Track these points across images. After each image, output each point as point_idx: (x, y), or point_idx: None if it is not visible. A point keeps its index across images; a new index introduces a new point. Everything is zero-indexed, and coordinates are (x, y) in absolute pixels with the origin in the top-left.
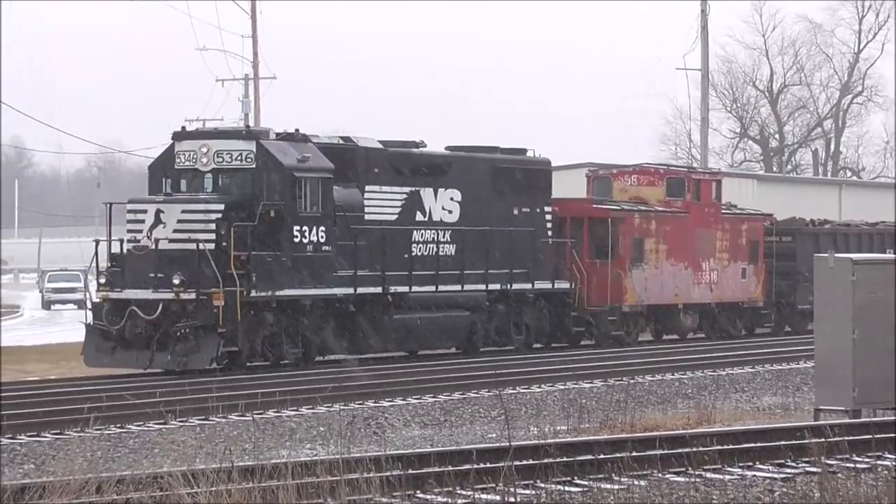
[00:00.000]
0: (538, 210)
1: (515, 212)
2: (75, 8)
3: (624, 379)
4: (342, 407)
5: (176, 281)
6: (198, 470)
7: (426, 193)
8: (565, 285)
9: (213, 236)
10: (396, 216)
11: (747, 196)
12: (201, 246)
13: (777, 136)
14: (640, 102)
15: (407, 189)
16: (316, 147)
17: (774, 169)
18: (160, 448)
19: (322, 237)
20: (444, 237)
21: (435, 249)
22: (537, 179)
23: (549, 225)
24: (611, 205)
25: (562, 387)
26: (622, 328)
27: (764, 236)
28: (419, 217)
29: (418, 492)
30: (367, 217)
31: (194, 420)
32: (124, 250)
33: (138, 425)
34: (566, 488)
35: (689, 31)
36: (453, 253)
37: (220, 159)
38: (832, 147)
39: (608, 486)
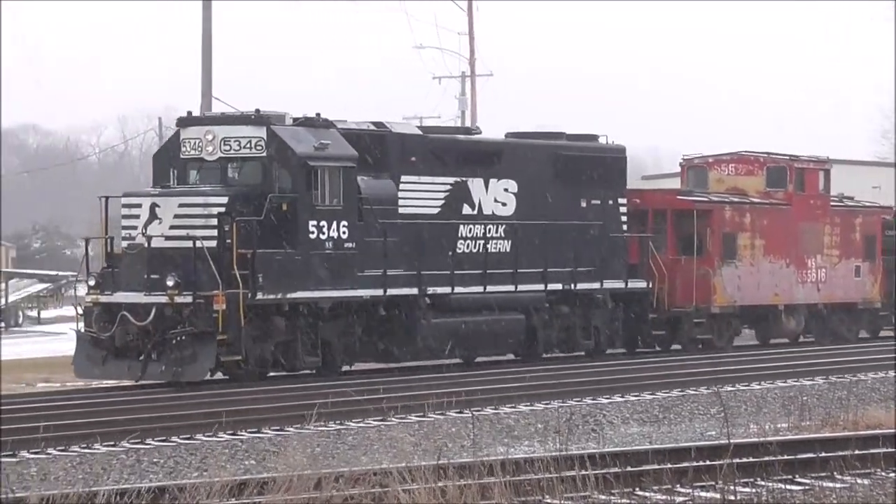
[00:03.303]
0: (610, 202)
1: (583, 204)
2: (291, 8)
3: (846, 376)
4: (560, 404)
5: (170, 283)
6: (415, 467)
7: (475, 184)
8: (641, 284)
9: (214, 232)
10: (439, 209)
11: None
12: (198, 243)
13: None
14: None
15: (451, 179)
16: (340, 133)
17: None
18: (379, 444)
19: (344, 233)
20: (496, 232)
21: (484, 246)
22: (609, 168)
23: (623, 218)
24: (698, 196)
25: (782, 384)
26: (711, 331)
27: (883, 231)
28: (466, 210)
29: (636, 489)
30: (401, 211)
31: (412, 417)
32: (120, 249)
33: (357, 422)
34: (787, 486)
35: None
36: (507, 249)
37: (228, 147)
38: None
39: (830, 484)
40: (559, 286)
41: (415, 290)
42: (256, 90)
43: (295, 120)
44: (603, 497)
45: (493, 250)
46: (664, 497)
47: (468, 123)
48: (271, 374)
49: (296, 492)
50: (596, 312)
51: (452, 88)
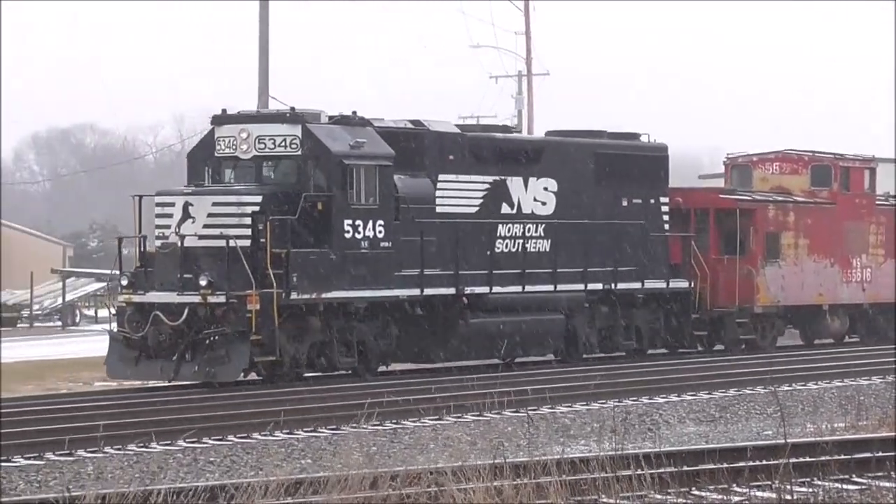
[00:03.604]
0: (652, 201)
1: (624, 203)
2: (346, 8)
3: None
4: (616, 403)
5: (203, 282)
6: (470, 466)
7: (514, 183)
8: (683, 284)
9: (248, 232)
10: (477, 209)
11: None
12: (231, 243)
13: None
14: None
15: (490, 178)
16: (376, 132)
17: None
18: (435, 444)
19: (380, 232)
20: (535, 231)
21: (523, 245)
22: (651, 167)
23: (665, 217)
24: (741, 195)
25: (839, 384)
26: (754, 331)
27: None
28: (505, 209)
29: (692, 489)
30: (438, 210)
31: (469, 416)
32: (154, 249)
33: (413, 421)
34: (843, 486)
35: None
36: (547, 249)
37: (262, 145)
38: None
39: (887, 484)
40: (599, 286)
41: (452, 290)
42: (314, 90)
43: (331, 118)
44: (659, 497)
45: (532, 250)
46: (720, 497)
47: (524, 123)
48: (306, 374)
49: (351, 491)
50: (637, 313)
51: (509, 88)
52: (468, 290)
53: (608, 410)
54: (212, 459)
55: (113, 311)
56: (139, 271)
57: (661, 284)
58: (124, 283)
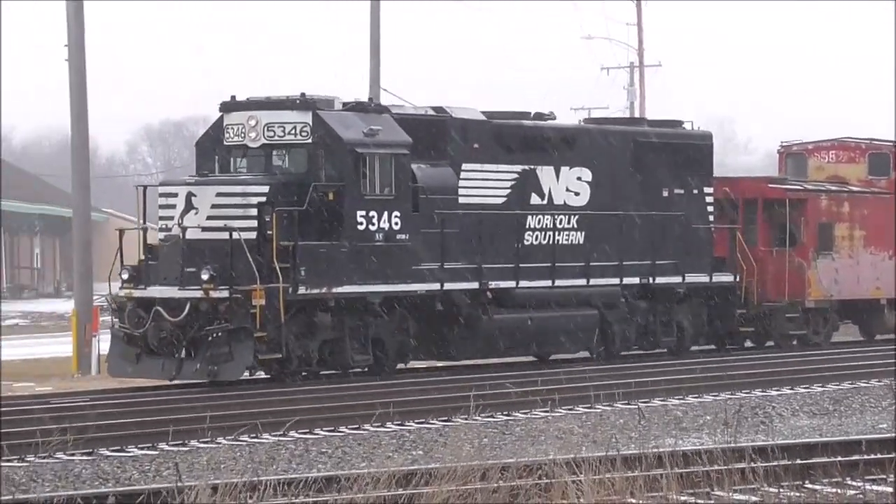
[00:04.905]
0: (695, 191)
1: (665, 193)
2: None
3: None
4: (729, 396)
5: (205, 276)
6: (582, 458)
7: (544, 172)
8: (728, 278)
9: (254, 223)
10: (504, 199)
11: None
12: (235, 235)
13: None
14: None
15: (518, 168)
16: (394, 119)
17: None
18: (546, 436)
19: (396, 224)
20: (568, 223)
21: (554, 237)
22: (694, 156)
23: (709, 209)
24: (792, 184)
25: None
26: (805, 327)
27: None
28: (535, 200)
29: (806, 482)
30: (461, 200)
31: (580, 408)
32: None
33: (524, 413)
34: None
35: None
36: (580, 241)
37: (272, 133)
38: None
39: None
40: (636, 280)
41: (475, 285)
42: (428, 84)
43: (345, 105)
44: (772, 490)
45: (564, 242)
46: (834, 490)
47: (636, 114)
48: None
49: (462, 482)
50: (678, 308)
51: (620, 80)
52: (492, 284)
53: (721, 403)
54: (324, 450)
55: (114, 306)
56: (141, 265)
57: (703, 278)
58: (125, 277)
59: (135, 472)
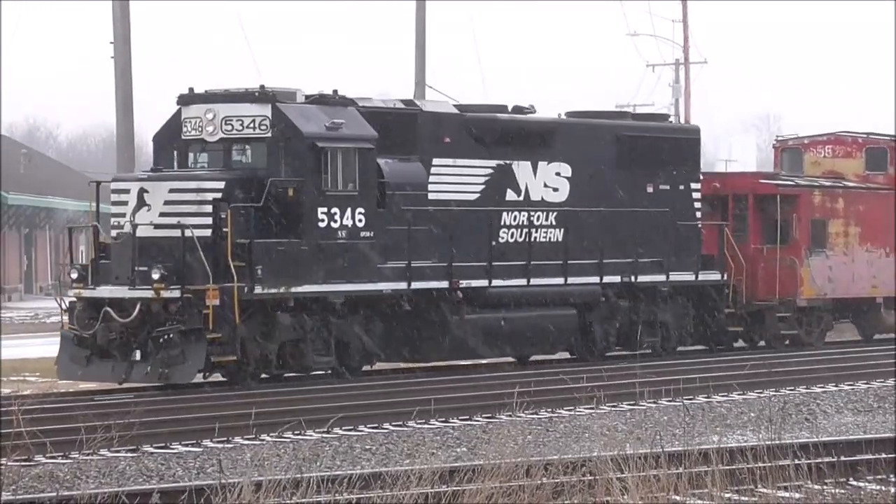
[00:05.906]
0: (681, 187)
1: (649, 189)
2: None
3: None
4: (773, 393)
5: (155, 276)
6: (626, 455)
7: (521, 168)
8: (715, 276)
9: (208, 221)
10: (477, 196)
11: None
12: (188, 232)
13: None
14: None
15: (493, 163)
16: (360, 112)
17: None
18: (590, 433)
19: (360, 221)
20: (545, 220)
21: (530, 235)
22: (680, 151)
23: (697, 205)
24: (784, 179)
25: None
26: (798, 326)
27: None
28: (511, 196)
29: (850, 479)
30: (432, 197)
31: (624, 405)
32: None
33: (569, 410)
34: None
35: None
36: (560, 238)
37: (230, 127)
38: None
39: None
40: (617, 279)
41: (445, 284)
42: (474, 84)
43: (308, 97)
44: (816, 487)
45: (542, 240)
46: (878, 487)
47: (682, 111)
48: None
49: (505, 479)
50: (662, 307)
51: (666, 77)
52: (463, 283)
53: (765, 400)
54: (368, 447)
55: (64, 306)
56: (93, 264)
57: (689, 277)
58: (73, 276)
59: (179, 469)
